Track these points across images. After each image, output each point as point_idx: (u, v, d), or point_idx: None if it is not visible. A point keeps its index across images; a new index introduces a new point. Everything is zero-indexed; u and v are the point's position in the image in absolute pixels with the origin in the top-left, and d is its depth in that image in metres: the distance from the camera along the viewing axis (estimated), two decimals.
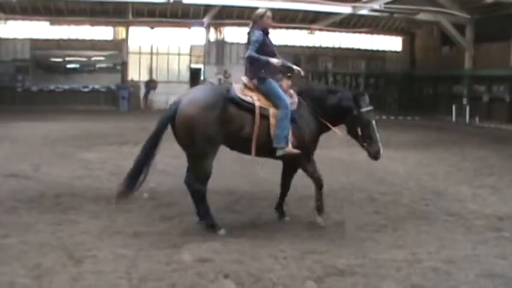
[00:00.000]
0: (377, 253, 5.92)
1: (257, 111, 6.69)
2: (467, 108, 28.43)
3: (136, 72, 32.45)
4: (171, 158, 9.84)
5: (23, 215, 7.21)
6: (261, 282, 5.03)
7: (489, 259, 5.81)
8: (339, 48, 35.18)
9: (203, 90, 7.02)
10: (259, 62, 6.83)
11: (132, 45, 32.46)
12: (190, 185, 6.79)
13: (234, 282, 5.02)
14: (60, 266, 5.32)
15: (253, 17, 7.14)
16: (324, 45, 35.03)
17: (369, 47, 35.78)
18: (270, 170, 8.57)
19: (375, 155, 6.99)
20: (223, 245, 6.08)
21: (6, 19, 30.19)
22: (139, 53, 32.68)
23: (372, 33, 34.94)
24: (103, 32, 32.21)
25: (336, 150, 12.91)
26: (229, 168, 10.35)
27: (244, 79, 7.02)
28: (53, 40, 31.23)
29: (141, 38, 32.57)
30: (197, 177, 6.65)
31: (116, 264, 5.40)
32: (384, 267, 5.48)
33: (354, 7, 27.79)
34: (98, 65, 32.43)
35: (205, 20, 31.59)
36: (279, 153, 6.80)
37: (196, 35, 32.99)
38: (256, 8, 7.30)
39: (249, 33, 7.09)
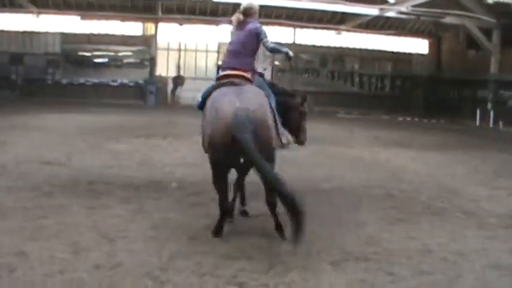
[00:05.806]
0: (391, 243, 6.24)
1: None
2: (492, 112, 28.44)
3: (164, 68, 32.93)
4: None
5: (58, 198, 7.65)
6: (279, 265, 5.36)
7: (497, 253, 6.07)
8: (366, 50, 35.30)
9: None
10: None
11: (161, 41, 32.86)
12: None
13: (252, 261, 5.38)
14: (95, 244, 5.73)
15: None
16: (350, 46, 35.19)
17: (395, 49, 35.78)
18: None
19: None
20: (248, 226, 6.48)
21: (39, 13, 30.84)
22: (168, 49, 33.15)
23: (398, 35, 34.95)
24: (132, 28, 32.71)
25: (357, 149, 13.16)
26: None
27: None
28: (83, 34, 31.85)
29: (169, 34, 33.01)
30: None
31: (146, 244, 5.79)
32: (396, 255, 5.80)
33: (381, 9, 27.93)
34: (125, 60, 32.87)
35: None
36: None
37: (224, 33, 33.31)
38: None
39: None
